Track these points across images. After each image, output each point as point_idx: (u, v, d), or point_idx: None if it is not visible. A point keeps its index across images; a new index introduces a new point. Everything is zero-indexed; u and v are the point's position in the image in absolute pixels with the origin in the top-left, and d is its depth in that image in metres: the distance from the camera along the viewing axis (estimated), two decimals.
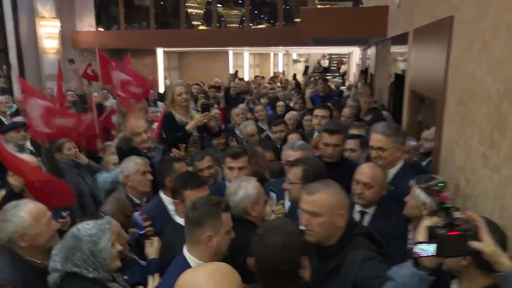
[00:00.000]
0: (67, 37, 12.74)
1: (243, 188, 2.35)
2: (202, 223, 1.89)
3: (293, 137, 4.17)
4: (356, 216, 2.63)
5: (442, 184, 1.58)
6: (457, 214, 1.46)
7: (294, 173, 2.54)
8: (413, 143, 3.44)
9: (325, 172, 2.57)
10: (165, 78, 12.20)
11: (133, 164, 3.11)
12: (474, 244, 1.40)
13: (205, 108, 4.19)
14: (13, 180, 2.71)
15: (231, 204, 2.31)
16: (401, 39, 5.32)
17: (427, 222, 1.52)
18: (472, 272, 1.63)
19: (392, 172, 2.83)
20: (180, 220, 2.38)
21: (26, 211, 2.11)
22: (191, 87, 8.77)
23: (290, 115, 5.68)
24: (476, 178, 2.34)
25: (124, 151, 3.45)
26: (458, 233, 1.42)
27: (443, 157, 3.01)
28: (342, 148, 3.32)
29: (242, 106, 6.70)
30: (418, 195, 2.35)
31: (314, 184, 1.99)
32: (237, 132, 5.33)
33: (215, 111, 5.99)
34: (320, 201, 1.91)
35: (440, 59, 3.11)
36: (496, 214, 2.02)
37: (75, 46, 13.09)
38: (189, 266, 1.86)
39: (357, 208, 2.66)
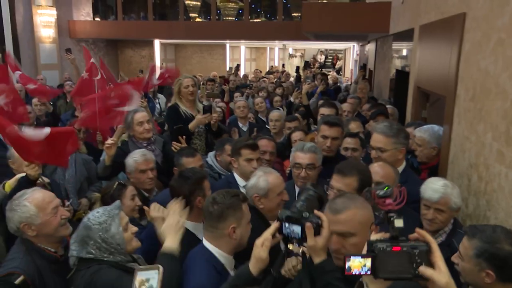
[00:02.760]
0: (64, 27, 12.59)
1: (256, 178, 2.34)
2: (225, 216, 1.87)
3: (297, 135, 3.86)
4: None
5: (387, 189, 1.35)
6: (399, 223, 1.21)
7: (348, 184, 2.19)
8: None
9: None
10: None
11: (132, 161, 3.01)
12: (424, 270, 1.15)
13: (207, 110, 4.10)
14: (29, 170, 2.68)
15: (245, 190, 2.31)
16: (404, 36, 5.34)
17: (373, 236, 1.30)
18: (496, 286, 1.62)
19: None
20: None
21: (30, 200, 2.09)
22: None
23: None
24: (490, 175, 2.35)
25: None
26: (400, 249, 1.16)
27: (452, 153, 3.03)
28: (340, 142, 3.22)
29: (240, 99, 6.68)
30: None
31: (339, 200, 1.72)
32: (240, 124, 5.33)
33: (219, 105, 5.99)
34: (352, 219, 1.63)
35: (451, 55, 3.12)
36: None
37: (72, 35, 12.93)
38: (214, 256, 1.87)
39: None
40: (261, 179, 2.33)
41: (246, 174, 2.82)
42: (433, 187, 2.23)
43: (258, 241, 1.63)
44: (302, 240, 1.55)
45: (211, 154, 3.57)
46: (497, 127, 2.29)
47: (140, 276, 1.55)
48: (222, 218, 1.86)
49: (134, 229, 2.01)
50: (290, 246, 1.66)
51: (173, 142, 3.65)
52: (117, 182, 2.64)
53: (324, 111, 4.25)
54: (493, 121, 2.34)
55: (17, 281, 1.90)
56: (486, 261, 1.61)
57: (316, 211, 1.58)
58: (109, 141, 3.43)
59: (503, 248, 1.61)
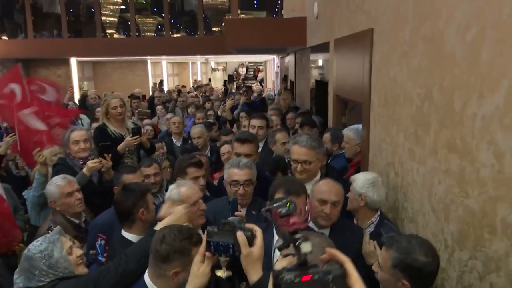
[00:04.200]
0: None
1: (169, 191, 2.38)
2: (171, 259, 1.76)
3: (225, 148, 4.09)
4: None
5: (290, 205, 1.13)
6: (307, 247, 1.00)
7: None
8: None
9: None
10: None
11: (55, 188, 2.90)
12: None
13: (136, 132, 4.06)
14: None
15: None
16: (321, 48, 5.73)
17: (277, 264, 1.13)
18: None
19: (313, 183, 2.64)
20: None
21: None
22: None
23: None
24: (404, 171, 2.66)
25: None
26: (311, 277, 0.95)
27: (372, 153, 3.34)
28: (255, 158, 3.17)
29: (170, 115, 6.72)
30: (354, 187, 2.57)
31: None
32: (174, 140, 5.36)
33: (146, 121, 5.96)
34: None
35: (364, 66, 3.46)
36: (426, 200, 2.33)
37: None
38: None
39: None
40: (173, 192, 2.35)
41: None
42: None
43: (197, 259, 1.53)
44: (234, 253, 1.46)
45: None
46: (407, 129, 2.60)
47: None
48: (167, 260, 1.77)
49: (79, 252, 1.98)
50: (218, 273, 1.67)
51: (99, 159, 3.54)
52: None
53: (255, 122, 4.31)
54: (403, 123, 2.66)
55: None
56: (402, 272, 1.66)
57: (247, 224, 1.51)
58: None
59: (417, 259, 1.66)
